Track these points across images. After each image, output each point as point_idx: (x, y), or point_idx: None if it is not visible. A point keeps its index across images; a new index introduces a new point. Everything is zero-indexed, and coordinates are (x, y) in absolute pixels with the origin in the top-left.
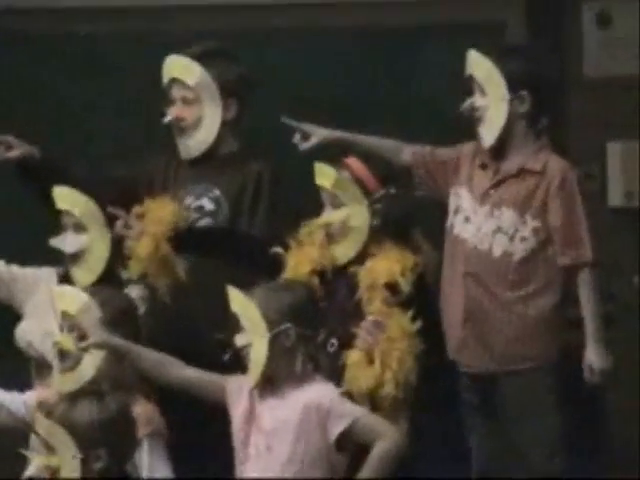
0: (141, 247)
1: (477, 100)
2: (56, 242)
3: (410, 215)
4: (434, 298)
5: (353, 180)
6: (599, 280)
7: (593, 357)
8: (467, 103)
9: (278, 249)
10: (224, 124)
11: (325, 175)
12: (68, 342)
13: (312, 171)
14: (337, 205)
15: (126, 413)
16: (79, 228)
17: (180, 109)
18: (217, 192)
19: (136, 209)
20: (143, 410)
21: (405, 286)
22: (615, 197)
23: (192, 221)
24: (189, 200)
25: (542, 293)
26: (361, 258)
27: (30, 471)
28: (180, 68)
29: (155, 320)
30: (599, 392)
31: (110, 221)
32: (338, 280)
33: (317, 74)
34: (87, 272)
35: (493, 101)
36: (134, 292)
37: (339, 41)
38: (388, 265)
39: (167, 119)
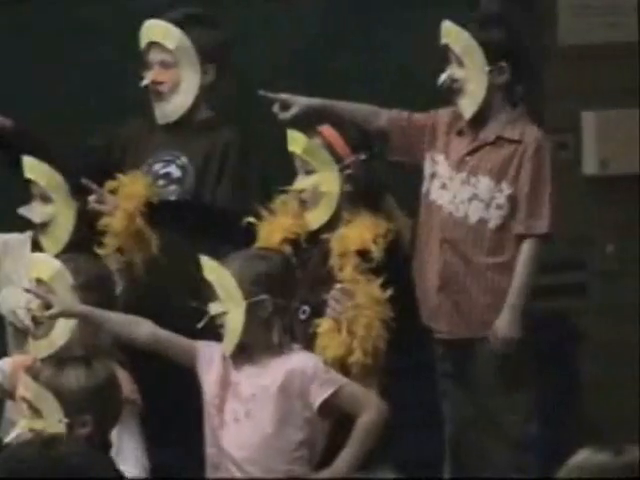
0: (116, 222)
1: (455, 72)
2: (24, 211)
3: (382, 181)
4: (406, 265)
5: (324, 146)
6: (541, 253)
7: (501, 324)
8: (445, 75)
9: (250, 219)
10: (202, 89)
11: (296, 141)
12: (40, 309)
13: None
14: (309, 172)
15: (113, 380)
16: (45, 198)
17: (158, 73)
18: (184, 159)
19: (109, 184)
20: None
21: (377, 253)
22: (590, 165)
23: (160, 187)
24: (157, 167)
25: (515, 261)
26: (334, 224)
27: (13, 434)
28: (159, 31)
29: (130, 295)
30: (572, 360)
31: (85, 193)
32: (310, 248)
33: (295, 40)
34: (54, 242)
35: (472, 73)
36: (112, 265)
37: (317, 6)
38: (360, 232)
39: (144, 82)
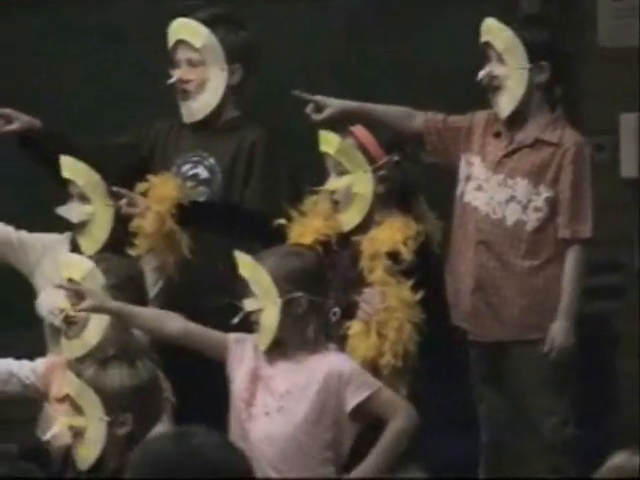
0: (147, 224)
1: (495, 69)
2: (62, 210)
3: (414, 183)
4: (437, 267)
5: (357, 147)
6: (588, 258)
7: (557, 332)
8: (485, 71)
9: (281, 220)
10: (228, 89)
11: (329, 142)
12: (72, 308)
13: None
14: (341, 172)
15: (156, 381)
16: (83, 198)
17: (185, 71)
18: (212, 160)
19: (140, 186)
20: None
21: (407, 254)
22: (628, 168)
23: (188, 189)
24: (185, 168)
25: (553, 263)
26: (365, 226)
27: (53, 431)
28: (186, 30)
29: (167, 295)
30: (610, 362)
31: (115, 198)
32: (341, 249)
33: (325, 40)
34: (91, 241)
35: (512, 70)
36: (149, 265)
37: (350, 5)
38: (390, 234)
39: (172, 80)
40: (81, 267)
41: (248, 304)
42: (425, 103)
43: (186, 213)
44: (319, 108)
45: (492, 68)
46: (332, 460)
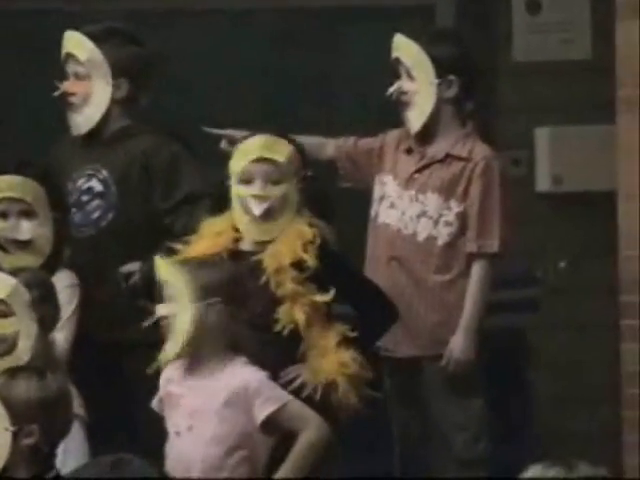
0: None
1: (405, 84)
2: (6, 231)
3: (325, 200)
4: (341, 262)
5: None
6: (493, 272)
7: (454, 346)
8: (395, 87)
9: (170, 244)
10: (114, 103)
11: (278, 149)
12: (3, 327)
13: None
14: (276, 180)
15: (65, 394)
16: (27, 214)
17: (71, 84)
18: (105, 173)
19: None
20: None
21: (311, 260)
22: (543, 182)
23: (84, 203)
24: (80, 182)
25: (464, 278)
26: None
27: None
28: (73, 43)
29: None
30: (523, 376)
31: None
32: (236, 264)
33: (237, 57)
34: (37, 256)
35: (421, 85)
36: (63, 282)
37: (261, 22)
38: (290, 244)
39: (57, 92)
40: (5, 284)
41: (162, 308)
42: (346, 115)
43: None
44: (232, 141)
45: (401, 84)
46: (248, 475)
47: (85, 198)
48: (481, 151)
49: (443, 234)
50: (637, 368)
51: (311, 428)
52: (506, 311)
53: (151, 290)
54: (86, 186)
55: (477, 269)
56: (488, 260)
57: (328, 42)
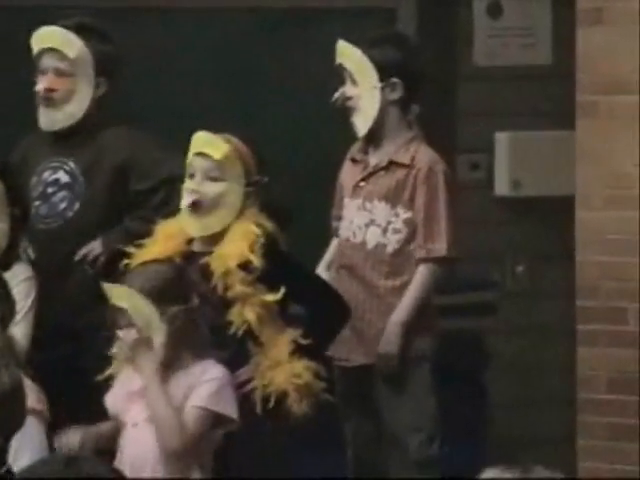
0: None
1: (349, 89)
2: None
3: (283, 208)
4: (288, 260)
5: (238, 158)
6: (435, 277)
7: (383, 339)
8: (339, 92)
9: (126, 262)
10: (92, 102)
11: (215, 146)
12: None
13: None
14: (214, 178)
15: (19, 388)
16: None
17: (52, 80)
18: (71, 164)
19: None
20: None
21: (257, 261)
22: (502, 186)
23: (50, 194)
24: (46, 174)
25: None
26: (212, 240)
27: None
28: (58, 39)
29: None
30: (480, 379)
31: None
32: (187, 266)
33: (204, 54)
34: None
35: (365, 90)
36: (19, 277)
37: (236, 19)
38: (235, 246)
39: (38, 87)
40: None
41: (129, 335)
42: (310, 116)
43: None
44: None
45: (346, 89)
46: (197, 468)
47: (51, 190)
48: (424, 156)
49: (392, 241)
50: (592, 373)
51: (176, 436)
52: (463, 314)
53: (118, 265)
54: (52, 178)
55: (422, 270)
56: (434, 264)
57: (292, 43)
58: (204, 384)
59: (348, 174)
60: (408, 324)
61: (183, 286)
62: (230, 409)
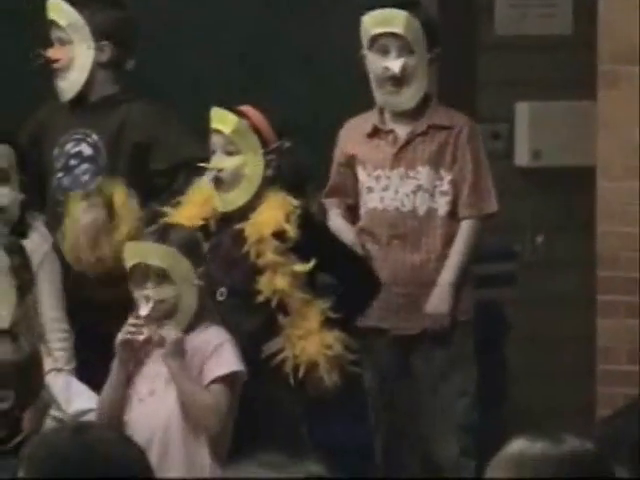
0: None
1: (408, 60)
2: None
3: (304, 169)
4: (323, 233)
5: (251, 129)
6: (479, 236)
7: (432, 300)
8: (401, 63)
9: (156, 208)
10: (99, 67)
11: (225, 121)
12: None
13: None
14: (231, 152)
15: (37, 356)
16: (4, 180)
17: (54, 50)
18: (95, 137)
19: None
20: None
21: (292, 231)
22: (522, 157)
23: (73, 167)
24: (69, 146)
25: None
26: (250, 208)
27: None
28: (55, 10)
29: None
30: (500, 349)
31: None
32: (221, 232)
33: (221, 21)
34: (7, 222)
35: (420, 59)
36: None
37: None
38: (271, 214)
39: (41, 60)
40: None
41: (160, 292)
42: (328, 89)
43: None
44: None
45: (406, 60)
46: (208, 442)
47: (73, 162)
48: (461, 118)
49: (442, 204)
50: (612, 344)
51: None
52: (483, 285)
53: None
54: (75, 150)
55: (467, 227)
56: (477, 221)
57: (315, 15)
58: (213, 354)
59: (371, 148)
60: (457, 284)
61: (202, 249)
62: (240, 363)
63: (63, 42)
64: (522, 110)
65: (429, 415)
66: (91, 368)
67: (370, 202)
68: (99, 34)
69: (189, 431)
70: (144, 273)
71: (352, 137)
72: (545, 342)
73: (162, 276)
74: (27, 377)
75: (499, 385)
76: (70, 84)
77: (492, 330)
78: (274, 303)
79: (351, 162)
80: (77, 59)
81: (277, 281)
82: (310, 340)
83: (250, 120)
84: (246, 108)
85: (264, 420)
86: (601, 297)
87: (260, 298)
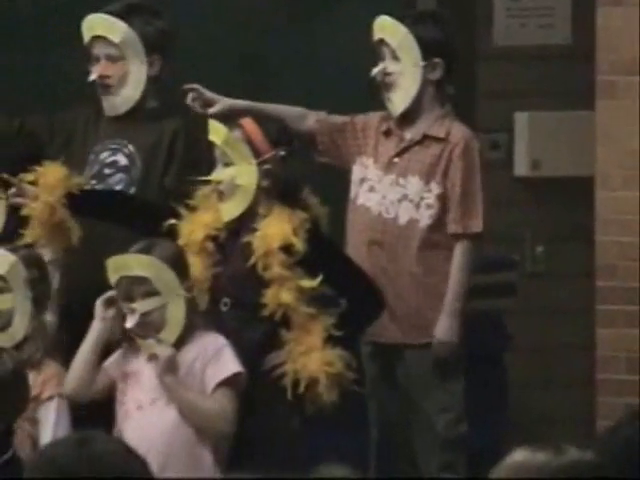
0: (37, 213)
1: (389, 65)
2: None
3: (300, 179)
4: (330, 248)
5: (244, 139)
6: (477, 253)
7: (441, 329)
8: (379, 68)
9: (172, 221)
10: (148, 80)
11: (217, 132)
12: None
13: None
14: (227, 164)
15: (20, 372)
16: None
17: (105, 66)
18: (132, 148)
19: (26, 176)
20: (55, 371)
21: (300, 245)
22: (521, 167)
23: (106, 175)
24: (104, 155)
25: (445, 261)
26: (249, 219)
27: None
28: (103, 26)
29: (67, 284)
30: (500, 360)
31: (5, 188)
32: (231, 243)
33: (233, 31)
34: None
35: (406, 67)
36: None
37: None
38: (280, 228)
39: (92, 77)
40: (5, 260)
41: (145, 305)
42: (326, 95)
43: (79, 202)
44: (210, 103)
45: (386, 65)
46: (211, 449)
47: (108, 171)
48: (459, 131)
49: (425, 217)
50: (611, 353)
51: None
52: (483, 295)
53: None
54: (110, 159)
55: (461, 250)
56: (472, 241)
57: (313, 21)
58: (212, 360)
59: (382, 148)
60: (462, 309)
61: (187, 263)
62: (240, 365)
63: (114, 59)
64: (521, 120)
65: (412, 428)
66: None
67: (362, 196)
68: (150, 47)
69: (193, 442)
70: (129, 286)
71: (375, 127)
72: (545, 352)
73: (147, 289)
74: (9, 393)
75: (499, 395)
76: (124, 100)
77: (492, 340)
78: (278, 316)
79: (361, 142)
80: (131, 75)
81: (283, 295)
82: (312, 357)
83: (243, 130)
84: (243, 119)
85: (261, 431)
86: (600, 307)
87: (265, 311)
